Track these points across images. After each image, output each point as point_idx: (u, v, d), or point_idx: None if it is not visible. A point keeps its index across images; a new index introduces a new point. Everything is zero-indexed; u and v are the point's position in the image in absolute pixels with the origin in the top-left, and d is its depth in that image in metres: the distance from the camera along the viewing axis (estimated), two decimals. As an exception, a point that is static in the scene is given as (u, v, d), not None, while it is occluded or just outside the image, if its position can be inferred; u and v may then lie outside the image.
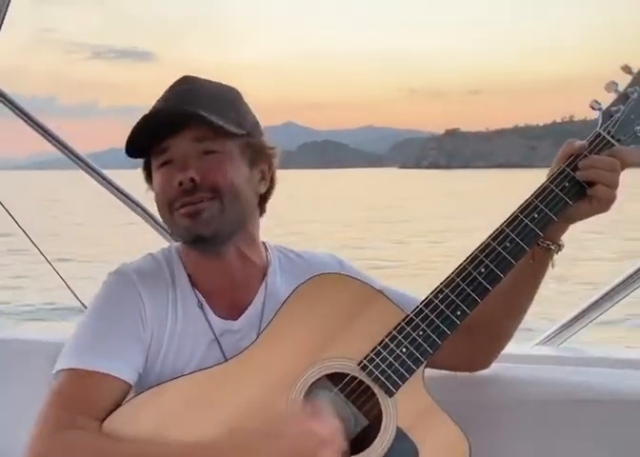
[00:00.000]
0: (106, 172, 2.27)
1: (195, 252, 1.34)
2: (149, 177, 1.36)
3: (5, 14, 2.15)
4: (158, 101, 1.32)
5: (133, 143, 1.28)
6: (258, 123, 1.36)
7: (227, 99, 1.32)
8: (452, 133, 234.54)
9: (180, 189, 1.26)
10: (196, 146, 1.27)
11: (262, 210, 1.39)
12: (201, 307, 1.32)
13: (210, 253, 1.32)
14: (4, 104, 2.22)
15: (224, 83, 1.36)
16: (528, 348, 1.76)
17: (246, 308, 1.34)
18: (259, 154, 1.34)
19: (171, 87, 1.33)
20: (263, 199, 1.38)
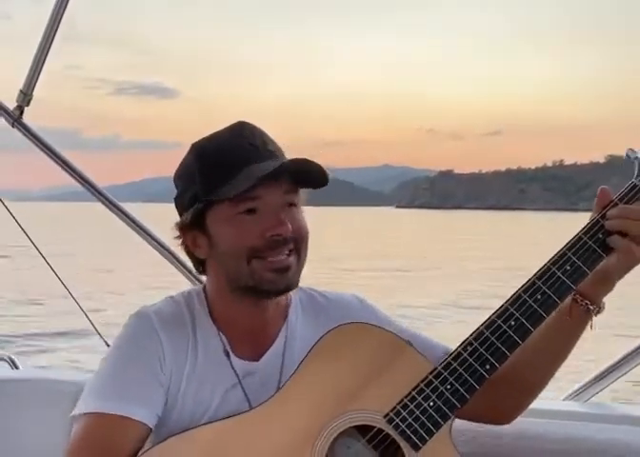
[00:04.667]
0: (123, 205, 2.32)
1: (239, 297, 1.31)
2: (197, 222, 1.30)
3: (47, 55, 2.21)
4: (222, 140, 1.29)
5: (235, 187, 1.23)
6: None
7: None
8: (446, 174, 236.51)
9: (271, 240, 1.25)
10: (284, 198, 1.28)
11: None
12: (225, 350, 1.31)
13: (261, 302, 1.32)
14: (27, 137, 2.29)
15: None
16: (554, 404, 1.73)
17: (268, 349, 1.34)
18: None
19: (240, 130, 1.30)
20: None
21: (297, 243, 1.28)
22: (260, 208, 1.26)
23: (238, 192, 1.21)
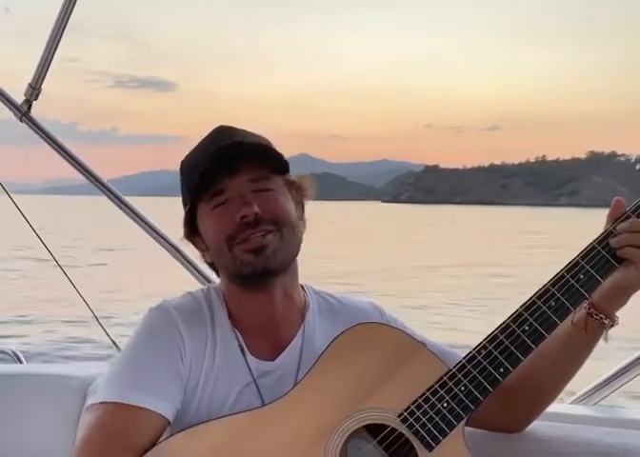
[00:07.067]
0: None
1: (241, 289, 1.33)
2: (193, 229, 1.36)
3: (55, 50, 2.20)
4: (204, 149, 1.33)
5: (197, 184, 1.28)
6: None
7: (266, 140, 1.36)
8: (431, 169, 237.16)
9: (242, 223, 1.27)
10: (252, 185, 1.30)
11: None
12: (240, 347, 1.32)
13: (259, 289, 1.32)
14: (35, 131, 2.29)
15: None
16: (562, 407, 1.72)
17: (283, 349, 1.34)
18: (300, 194, 1.37)
19: (212, 134, 1.35)
20: None
21: (276, 224, 1.29)
22: (228, 199, 1.29)
23: (195, 187, 1.28)
